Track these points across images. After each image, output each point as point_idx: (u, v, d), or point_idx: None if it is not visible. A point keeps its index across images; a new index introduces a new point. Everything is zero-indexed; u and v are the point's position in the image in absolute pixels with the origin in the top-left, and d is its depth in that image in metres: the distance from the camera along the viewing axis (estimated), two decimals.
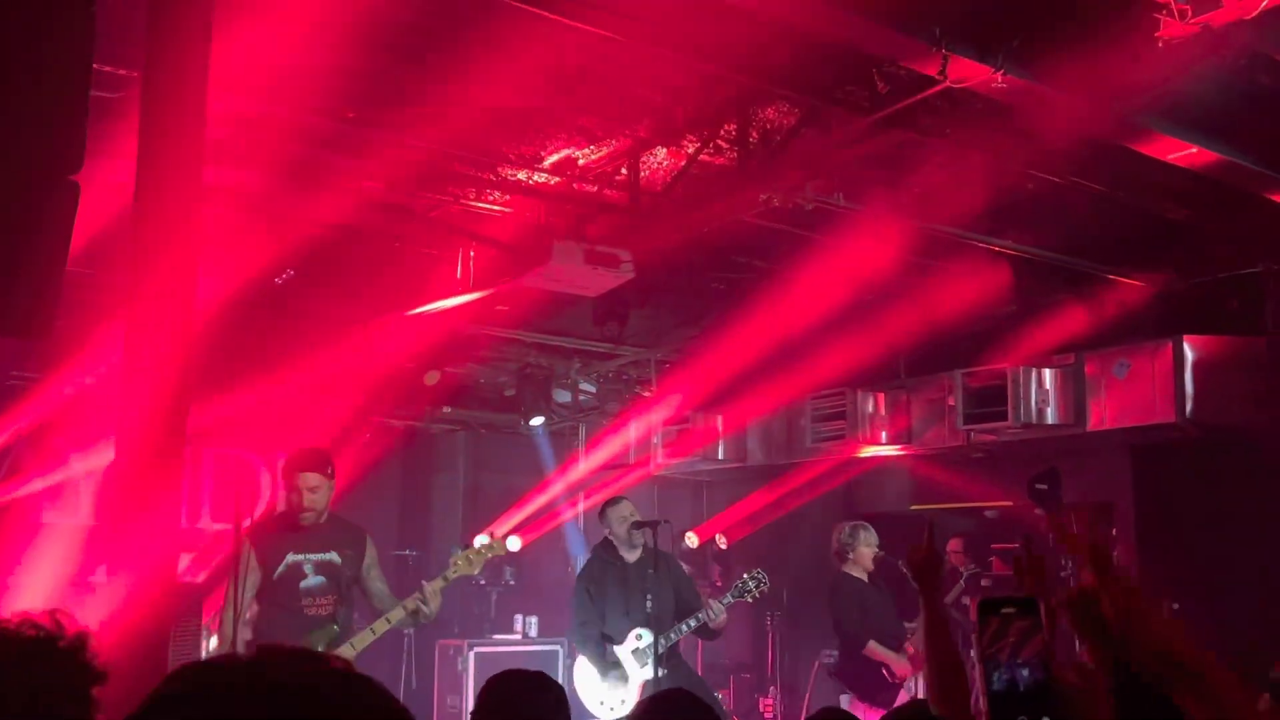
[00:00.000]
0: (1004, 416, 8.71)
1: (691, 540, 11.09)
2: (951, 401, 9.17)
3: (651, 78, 6.25)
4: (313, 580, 6.01)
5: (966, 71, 5.21)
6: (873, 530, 8.14)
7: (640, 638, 7.20)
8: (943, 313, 8.61)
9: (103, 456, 8.27)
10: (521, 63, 5.68)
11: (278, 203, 7.16)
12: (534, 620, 10.71)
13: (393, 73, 5.99)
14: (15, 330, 3.49)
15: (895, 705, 6.78)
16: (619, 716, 7.18)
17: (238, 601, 5.53)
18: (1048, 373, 8.70)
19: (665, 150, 7.19)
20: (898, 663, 7.76)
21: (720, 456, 11.02)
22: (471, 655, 9.89)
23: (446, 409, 11.15)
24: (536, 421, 11.25)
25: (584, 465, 11.86)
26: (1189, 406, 8.05)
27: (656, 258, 7.91)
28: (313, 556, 6.04)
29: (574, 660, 7.65)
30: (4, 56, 3.29)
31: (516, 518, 11.27)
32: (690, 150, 7.11)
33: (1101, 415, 8.54)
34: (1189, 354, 8.09)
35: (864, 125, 6.27)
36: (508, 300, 8.60)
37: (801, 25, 5.19)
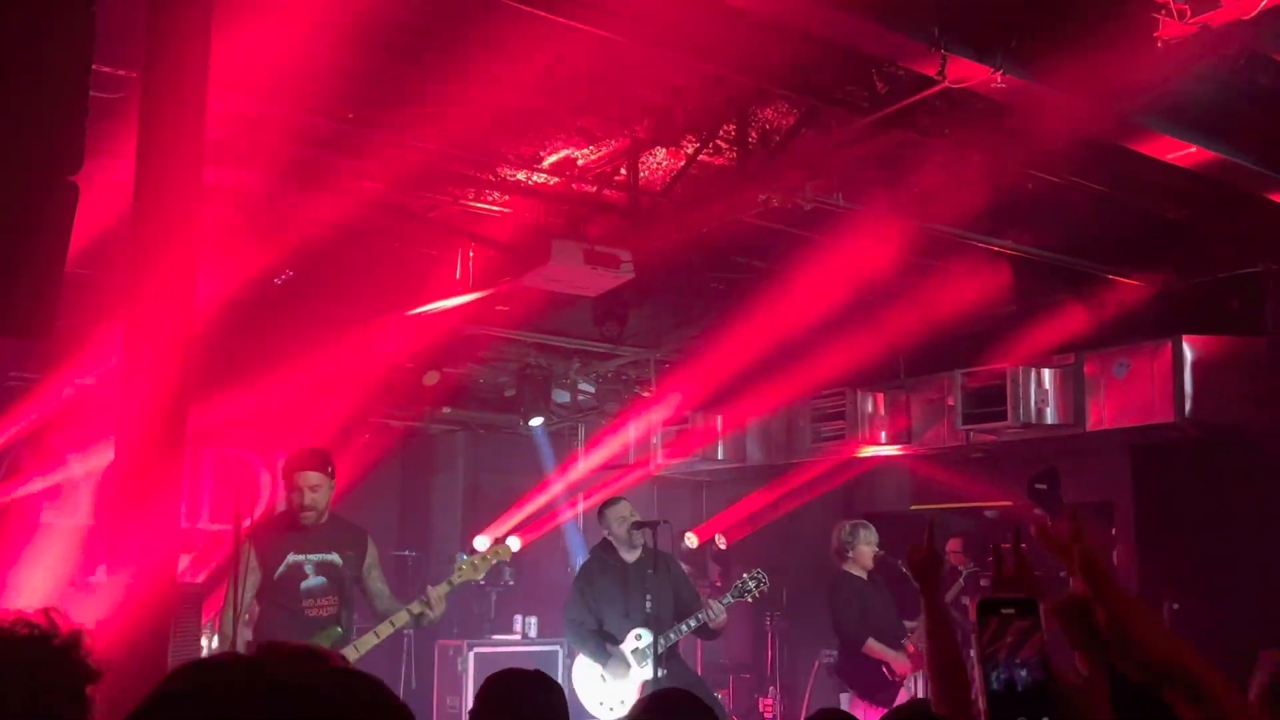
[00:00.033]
0: (1003, 416, 8.71)
1: (691, 540, 11.09)
2: (951, 401, 9.17)
3: (651, 78, 6.25)
4: (313, 581, 6.01)
5: (965, 71, 5.21)
6: (873, 529, 8.14)
7: (640, 638, 7.20)
8: (942, 313, 8.61)
9: (102, 457, 8.28)
10: (521, 63, 5.68)
11: (277, 203, 7.17)
12: (533, 621, 10.70)
13: (392, 73, 5.99)
14: (15, 330, 3.49)
15: (895, 704, 6.79)
16: (618, 717, 7.18)
17: (238, 602, 5.53)
18: (1047, 373, 8.70)
19: (664, 150, 7.19)
20: (897, 660, 7.77)
21: (720, 457, 11.02)
22: (471, 656, 9.89)
23: (446, 409, 11.15)
24: (536, 422, 11.25)
25: (583, 465, 11.86)
26: (1188, 406, 8.05)
27: (656, 258, 7.92)
28: (313, 557, 6.03)
29: (573, 660, 7.65)
30: (4, 57, 3.29)
31: (516, 518, 11.28)
32: (689, 150, 7.11)
33: (1101, 415, 8.54)
34: (1188, 354, 8.09)
35: (863, 125, 6.27)
36: (507, 300, 8.60)
37: (800, 25, 5.19)
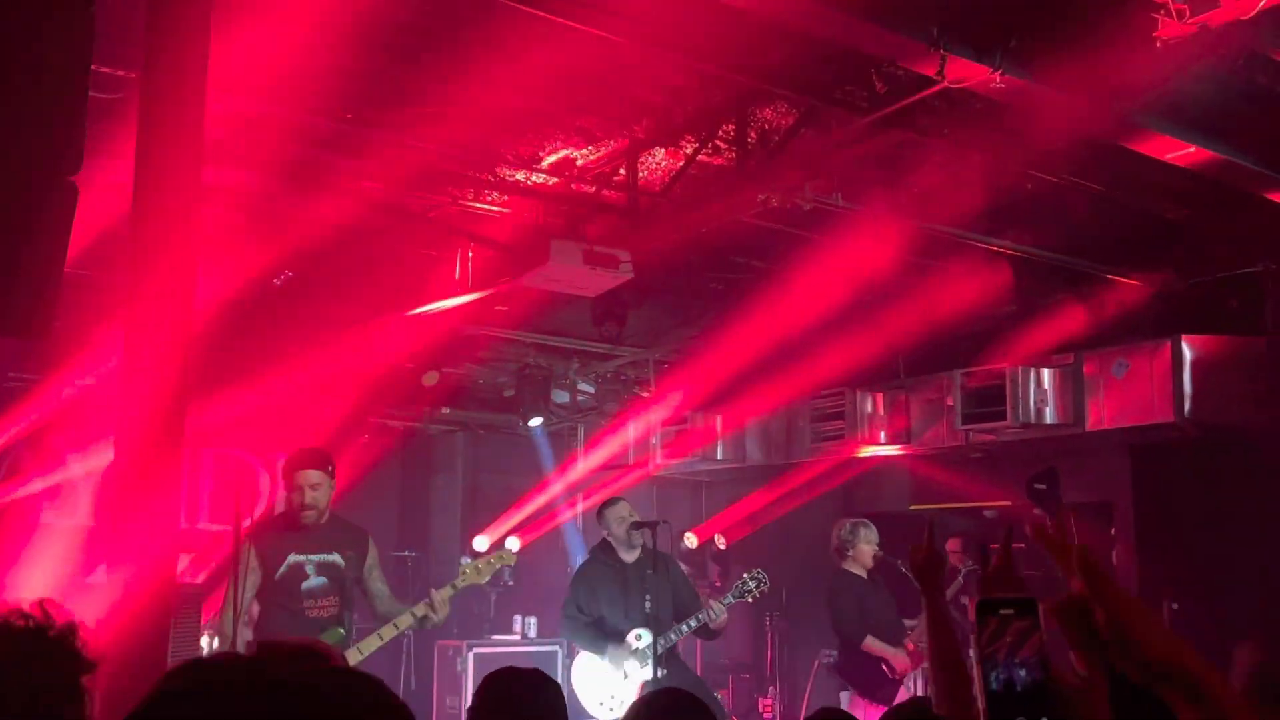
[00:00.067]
0: (1003, 416, 8.72)
1: (690, 541, 11.10)
2: (950, 401, 9.18)
3: (650, 78, 6.26)
4: (314, 581, 6.00)
5: (964, 72, 5.21)
6: (873, 528, 8.15)
7: (640, 638, 7.20)
8: (941, 313, 8.62)
9: (101, 457, 8.27)
10: (520, 63, 5.68)
11: (277, 203, 7.17)
12: (533, 621, 10.70)
13: (391, 73, 5.99)
14: (14, 331, 3.49)
15: (895, 702, 6.79)
16: (618, 717, 7.18)
17: (238, 602, 5.53)
18: (1046, 372, 8.70)
19: (664, 150, 7.20)
20: (896, 657, 7.77)
21: (719, 457, 11.02)
22: (470, 656, 9.89)
23: (445, 410, 11.15)
24: (535, 422, 11.25)
25: (583, 466, 11.86)
26: (1188, 406, 8.05)
27: (655, 258, 7.92)
28: (314, 557, 6.02)
29: (573, 660, 7.65)
30: (3, 57, 3.29)
31: (515, 518, 11.28)
32: (688, 150, 7.12)
33: (1100, 415, 8.54)
34: (1188, 354, 8.10)
35: (862, 125, 6.27)
36: (506, 301, 8.61)
37: (799, 25, 5.19)
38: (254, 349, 8.29)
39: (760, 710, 10.86)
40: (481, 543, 11.02)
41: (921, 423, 9.75)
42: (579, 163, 7.30)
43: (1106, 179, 7.17)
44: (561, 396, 11.43)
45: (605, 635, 7.31)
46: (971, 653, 1.42)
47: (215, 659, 1.23)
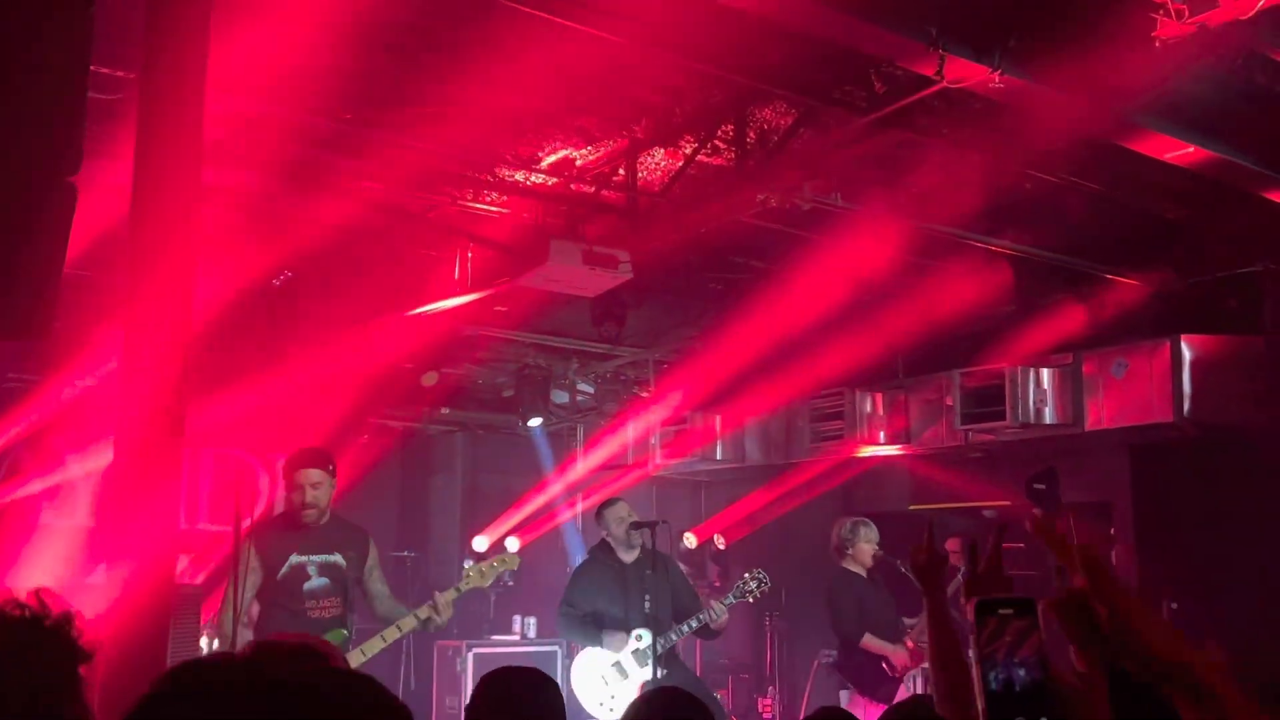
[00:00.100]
0: (1002, 416, 8.71)
1: (690, 541, 11.10)
2: (949, 401, 9.18)
3: (649, 78, 6.26)
4: (316, 582, 6.00)
5: (963, 72, 5.21)
6: (873, 527, 8.15)
7: (640, 638, 7.20)
8: (941, 312, 8.62)
9: (100, 458, 8.27)
10: (519, 63, 5.68)
11: (276, 203, 7.17)
12: (532, 621, 10.71)
13: (390, 73, 5.99)
14: (14, 332, 3.49)
15: (895, 700, 6.79)
16: (618, 717, 7.18)
17: (238, 602, 5.52)
18: (1045, 372, 8.70)
19: (663, 151, 7.20)
20: (896, 654, 7.77)
21: (718, 457, 11.02)
22: (470, 656, 9.89)
23: (445, 410, 11.15)
24: (534, 422, 11.25)
25: (582, 466, 11.86)
26: (1187, 406, 8.05)
27: (654, 258, 7.92)
28: (316, 558, 6.02)
29: (573, 661, 7.65)
30: (3, 57, 3.29)
31: (515, 519, 11.28)
32: (688, 151, 7.12)
33: (1099, 415, 8.54)
34: (1187, 353, 8.10)
35: (861, 125, 6.27)
36: (506, 301, 8.61)
37: (798, 26, 5.19)
38: (253, 349, 8.30)
39: (760, 710, 10.87)
40: (481, 543, 11.02)
41: (921, 423, 9.75)
42: (578, 163, 7.30)
43: (1105, 179, 7.18)
44: (561, 397, 11.43)
45: (599, 626, 7.31)
46: (970, 653, 1.43)
47: (214, 659, 1.23)
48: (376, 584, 6.27)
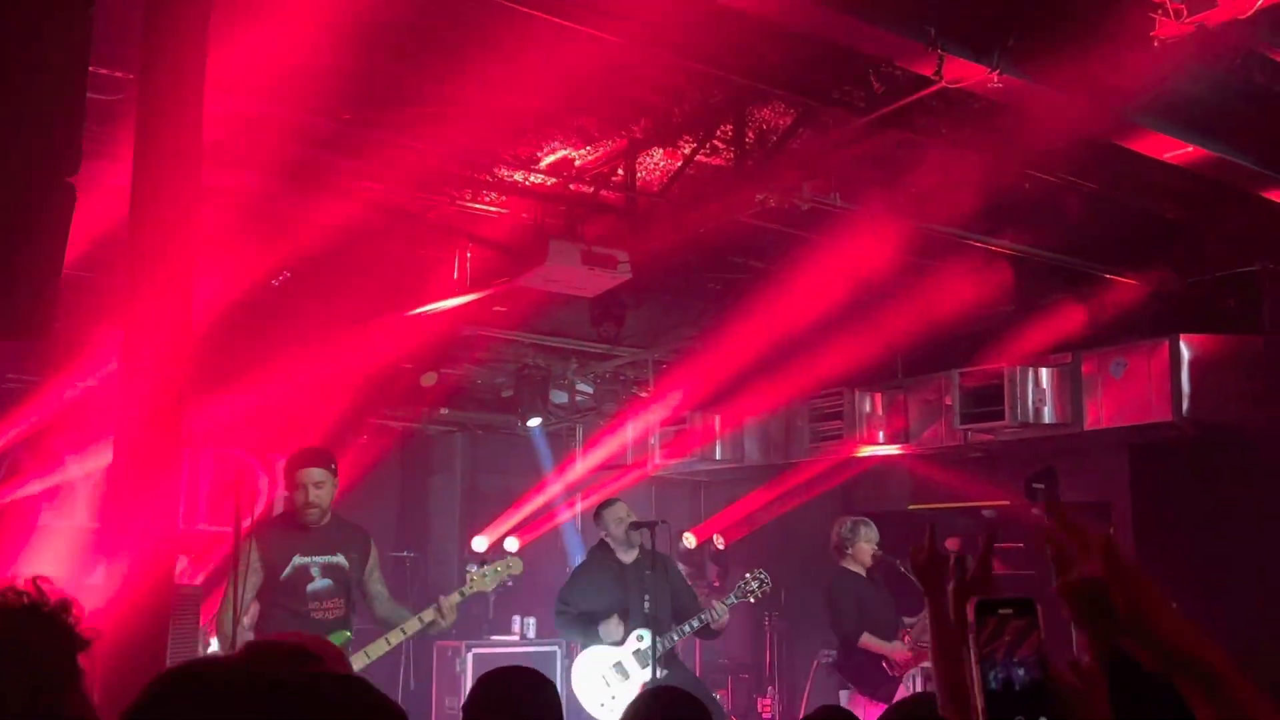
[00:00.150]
0: (1001, 416, 8.71)
1: (689, 541, 11.10)
2: (949, 401, 9.18)
3: (648, 78, 6.26)
4: (320, 584, 5.99)
5: (962, 72, 5.21)
6: (873, 526, 8.15)
7: (641, 639, 7.20)
8: (940, 312, 8.62)
9: (99, 459, 8.27)
10: (518, 64, 5.69)
11: (275, 204, 7.17)
12: (532, 621, 10.70)
13: (390, 73, 5.99)
14: (13, 332, 3.49)
15: (895, 699, 6.79)
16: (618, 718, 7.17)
17: (237, 602, 5.52)
18: (1044, 372, 8.70)
19: (662, 151, 7.20)
20: (895, 652, 7.78)
21: (718, 457, 11.01)
22: (470, 656, 9.88)
23: (444, 410, 11.15)
24: (534, 422, 11.25)
25: (581, 466, 11.86)
26: (1186, 405, 8.05)
27: (653, 258, 7.92)
28: (319, 559, 6.01)
29: (572, 661, 7.66)
30: (2, 58, 3.29)
31: (514, 519, 11.28)
32: (687, 151, 7.12)
33: (1098, 414, 8.54)
34: (1186, 353, 8.09)
35: (860, 125, 6.28)
36: (505, 301, 8.61)
37: (797, 26, 5.20)
38: (252, 350, 8.29)
39: (759, 710, 10.86)
40: (480, 543, 11.02)
41: (920, 422, 9.75)
42: (577, 163, 7.30)
43: (1104, 178, 7.18)
44: (560, 397, 11.43)
45: (595, 622, 7.32)
46: (966, 652, 1.43)
47: (212, 660, 1.23)
48: (376, 585, 6.26)
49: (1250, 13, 4.47)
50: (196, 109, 4.24)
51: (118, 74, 5.07)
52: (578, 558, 10.11)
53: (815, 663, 9.58)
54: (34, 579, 2.12)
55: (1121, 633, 1.40)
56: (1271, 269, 8.22)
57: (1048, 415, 8.65)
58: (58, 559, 8.34)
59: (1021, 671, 1.38)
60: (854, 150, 6.66)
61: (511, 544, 10.76)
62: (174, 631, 4.76)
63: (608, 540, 7.53)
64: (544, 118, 6.69)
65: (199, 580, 8.27)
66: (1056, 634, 1.46)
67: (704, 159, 7.18)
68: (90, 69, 3.53)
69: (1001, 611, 1.41)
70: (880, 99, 6.07)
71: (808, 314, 8.62)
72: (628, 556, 7.44)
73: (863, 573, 8.05)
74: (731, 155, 7.06)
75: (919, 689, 7.72)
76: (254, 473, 9.05)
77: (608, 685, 7.31)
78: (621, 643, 7.32)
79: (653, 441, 11.22)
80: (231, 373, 7.96)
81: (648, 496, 11.78)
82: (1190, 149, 6.07)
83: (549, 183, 7.48)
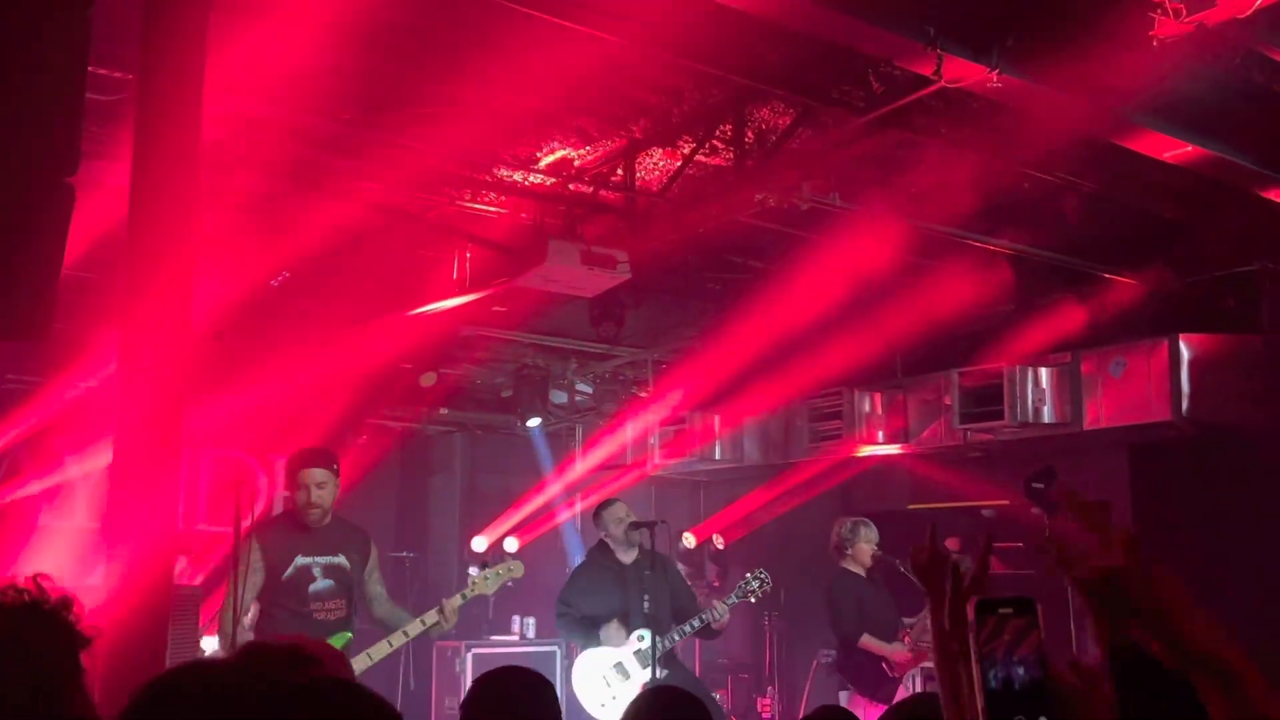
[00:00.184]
0: (1000, 415, 8.71)
1: (689, 541, 11.09)
2: (948, 401, 9.18)
3: (647, 78, 6.26)
4: (322, 584, 5.99)
5: (961, 71, 5.22)
6: (873, 527, 8.15)
7: (642, 639, 7.20)
8: (939, 312, 8.61)
9: (98, 459, 8.26)
10: (517, 64, 5.69)
11: (275, 204, 7.16)
12: (532, 621, 10.70)
13: (390, 74, 5.99)
14: (12, 333, 3.49)
15: (895, 700, 6.79)
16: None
17: (238, 602, 5.51)
18: (1044, 372, 8.69)
19: (661, 151, 7.20)
20: (895, 653, 7.77)
21: (717, 457, 11.01)
22: (469, 656, 9.88)
23: (443, 410, 11.15)
24: (533, 422, 11.25)
25: (581, 466, 11.85)
26: (1185, 405, 8.05)
27: (653, 258, 7.92)
28: (321, 560, 6.01)
29: (572, 661, 7.65)
30: (1, 58, 3.29)
31: (514, 519, 11.28)
32: (686, 151, 7.12)
33: (1098, 414, 8.54)
34: (1185, 352, 8.09)
35: (859, 125, 6.28)
36: (504, 301, 8.60)
37: (796, 26, 5.19)
38: (251, 350, 8.29)
39: (759, 710, 10.86)
40: (480, 543, 11.01)
41: (919, 422, 9.75)
42: (576, 163, 7.30)
43: (1104, 178, 7.18)
44: (559, 397, 11.43)
45: (596, 625, 7.31)
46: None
47: (204, 664, 1.23)
48: (375, 586, 6.26)
49: (1249, 12, 4.47)
50: (196, 109, 4.24)
51: (117, 74, 5.07)
52: (577, 558, 10.11)
53: (815, 663, 9.58)
54: (35, 577, 2.12)
55: (1139, 626, 1.39)
56: (1271, 268, 8.22)
57: (1047, 415, 8.65)
58: (57, 559, 8.33)
59: (1021, 670, 1.38)
60: (853, 150, 6.66)
61: (511, 544, 10.76)
62: (174, 632, 4.75)
63: (607, 540, 7.52)
64: (543, 118, 6.68)
65: (198, 580, 8.26)
66: (1056, 634, 1.46)
67: (703, 159, 7.18)
68: (90, 69, 3.53)
69: (1001, 611, 1.41)
70: (879, 99, 6.07)
71: (807, 314, 8.61)
72: (627, 557, 7.44)
73: (862, 573, 8.05)
74: (731, 155, 7.06)
75: (919, 689, 7.72)
76: (253, 473, 9.05)
77: (608, 685, 7.30)
78: (622, 644, 7.31)
79: (652, 441, 11.22)
80: (232, 372, 7.96)
81: (647, 496, 11.77)
82: (1189, 148, 6.07)
83: (548, 183, 7.47)
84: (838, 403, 10.22)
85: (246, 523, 5.66)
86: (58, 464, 8.82)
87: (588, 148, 7.11)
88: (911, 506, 10.52)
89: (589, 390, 11.48)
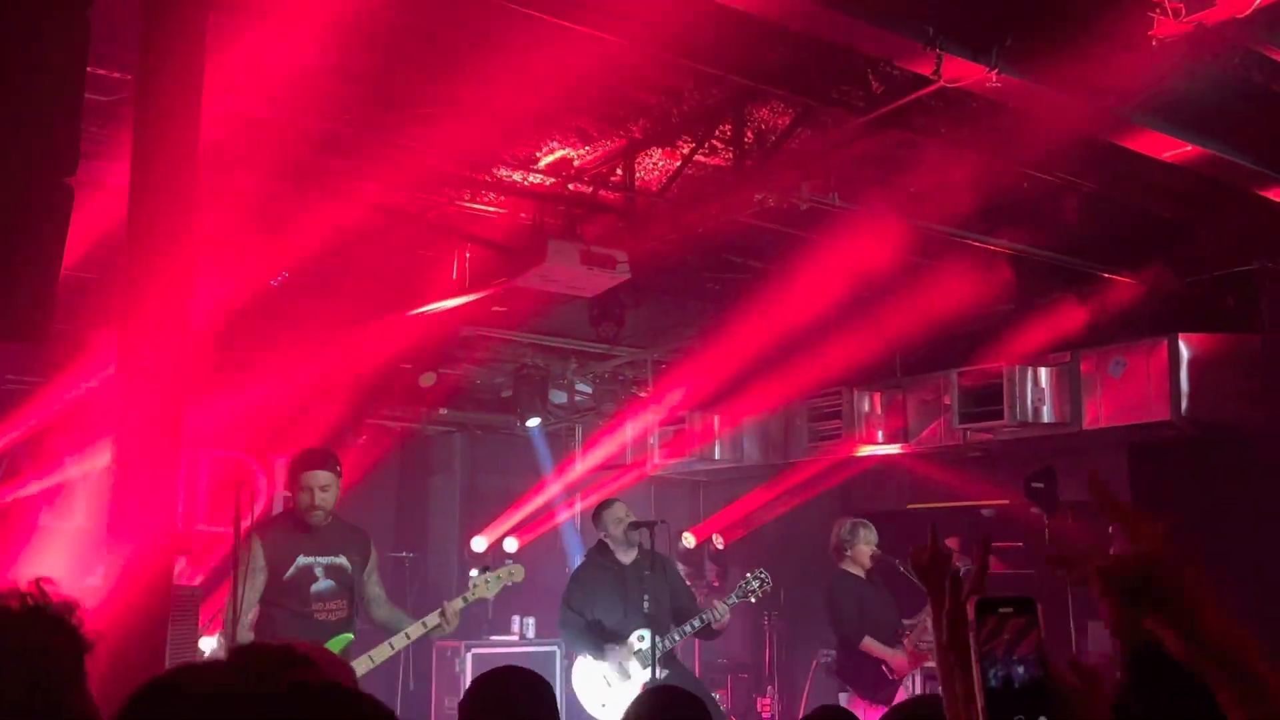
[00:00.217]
0: (1000, 415, 8.72)
1: (688, 541, 11.10)
2: (947, 400, 9.18)
3: (646, 78, 6.25)
4: (323, 584, 5.99)
5: (961, 71, 5.22)
6: (873, 528, 8.15)
7: (642, 639, 7.20)
8: (938, 312, 8.61)
9: (98, 460, 8.26)
10: (517, 64, 5.69)
11: (274, 204, 7.16)
12: (531, 621, 10.69)
13: (389, 75, 5.99)
14: (11, 334, 3.49)
15: (894, 702, 6.79)
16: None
17: (238, 603, 5.51)
18: (1043, 371, 8.70)
19: (660, 151, 7.20)
20: (895, 658, 7.77)
21: (717, 456, 11.01)
22: (469, 656, 9.87)
23: (443, 410, 11.15)
24: (533, 422, 11.25)
25: (580, 466, 11.85)
26: (1184, 404, 8.05)
27: (652, 258, 7.92)
28: (323, 560, 6.01)
29: (572, 662, 7.65)
30: (1, 58, 3.29)
31: (514, 519, 11.28)
32: (685, 150, 7.12)
33: (1097, 414, 8.54)
34: (1184, 352, 8.10)
35: (859, 125, 6.28)
36: (504, 301, 8.60)
37: (795, 25, 5.19)
38: (251, 351, 8.29)
39: (759, 710, 10.86)
40: (480, 544, 11.01)
41: (919, 422, 9.76)
42: (576, 163, 7.30)
43: (1103, 178, 7.18)
44: (559, 397, 11.43)
45: (604, 637, 7.31)
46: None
47: (195, 669, 1.23)
48: (374, 586, 6.26)
49: (1248, 11, 4.48)
50: (196, 109, 4.24)
51: (116, 74, 5.07)
52: (577, 558, 10.11)
53: (815, 663, 9.58)
54: (37, 581, 2.11)
55: (1161, 619, 1.39)
56: (1270, 268, 8.23)
57: (1046, 414, 8.66)
58: (57, 560, 8.33)
59: (1021, 669, 1.38)
60: (853, 150, 6.66)
61: (511, 544, 10.76)
62: (173, 632, 4.75)
63: (607, 541, 7.52)
64: (543, 118, 6.68)
65: (198, 581, 8.26)
66: (1056, 633, 1.46)
67: (703, 159, 7.18)
68: (90, 69, 3.53)
69: (1001, 610, 1.41)
70: (879, 98, 6.07)
71: (806, 314, 8.61)
72: (627, 557, 7.44)
73: (862, 574, 8.05)
74: (730, 155, 7.06)
75: (919, 691, 7.72)
76: (253, 473, 9.04)
77: (608, 685, 7.31)
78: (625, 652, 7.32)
79: (652, 441, 11.22)
80: (231, 373, 7.96)
81: (647, 496, 11.77)
82: (1188, 148, 6.07)
83: (548, 183, 7.47)
84: (837, 402, 10.22)
85: (246, 523, 5.65)
86: (57, 465, 8.81)
87: (587, 148, 7.11)
88: (911, 506, 10.52)
89: (589, 390, 11.48)
